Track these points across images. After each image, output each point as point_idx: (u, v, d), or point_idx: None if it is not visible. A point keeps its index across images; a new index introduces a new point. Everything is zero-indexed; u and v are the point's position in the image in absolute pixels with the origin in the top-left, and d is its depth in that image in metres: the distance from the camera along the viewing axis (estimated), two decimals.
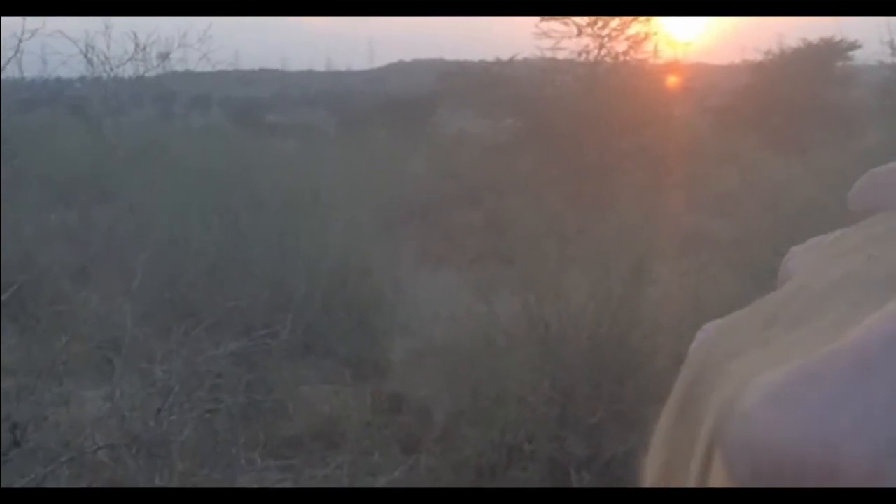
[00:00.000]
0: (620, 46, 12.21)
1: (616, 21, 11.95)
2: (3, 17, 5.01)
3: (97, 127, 12.87)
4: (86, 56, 6.08)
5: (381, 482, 4.55)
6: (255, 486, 4.62)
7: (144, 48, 6.12)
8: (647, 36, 12.18)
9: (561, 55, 12.39)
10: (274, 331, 5.07)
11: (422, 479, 4.93)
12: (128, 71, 6.25)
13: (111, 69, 6.01)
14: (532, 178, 10.73)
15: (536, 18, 12.03)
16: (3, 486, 3.93)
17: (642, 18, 11.97)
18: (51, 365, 4.85)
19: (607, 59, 12.21)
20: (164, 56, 6.52)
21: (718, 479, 0.23)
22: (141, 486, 4.30)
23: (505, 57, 13.08)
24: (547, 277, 5.85)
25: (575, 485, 4.54)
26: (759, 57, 15.21)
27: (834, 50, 14.50)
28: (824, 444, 0.20)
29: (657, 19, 12.05)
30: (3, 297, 4.64)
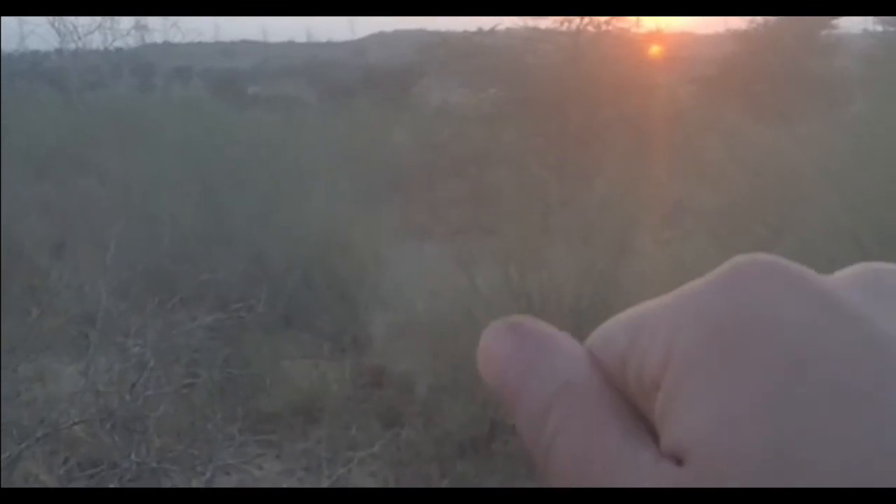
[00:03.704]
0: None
1: None
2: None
3: (75, 99, 12.73)
4: (53, 25, 5.96)
5: (361, 456, 4.49)
6: (234, 461, 4.57)
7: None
8: None
9: (542, 24, 12.32)
10: (250, 304, 5.00)
11: (402, 454, 4.89)
12: (96, 40, 6.15)
13: (79, 38, 5.90)
14: (515, 148, 10.66)
15: None
16: None
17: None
18: (24, 340, 4.78)
19: (589, 28, 12.12)
20: (142, 27, 6.41)
21: None
22: (117, 461, 4.25)
23: (486, 27, 13.00)
24: (529, 249, 5.79)
25: None
26: (743, 25, 15.12)
27: (818, 18, 14.42)
28: None
29: None
30: None
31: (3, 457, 3.97)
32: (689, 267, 5.72)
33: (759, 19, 15.04)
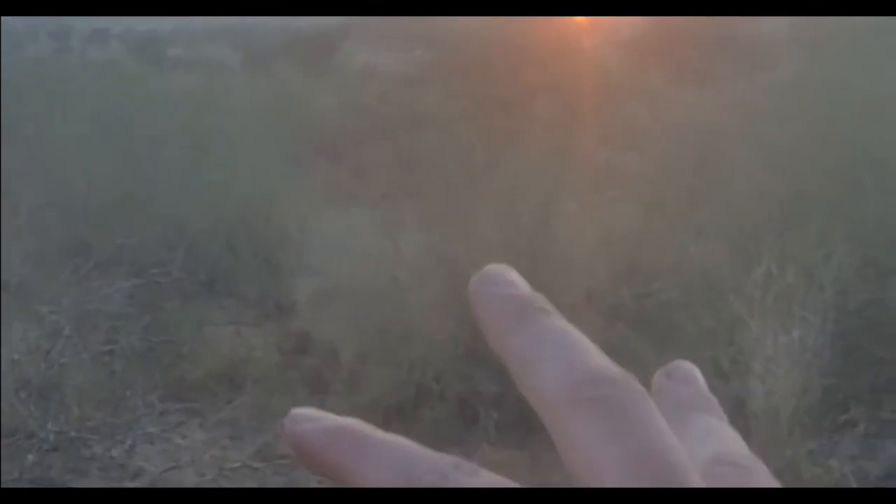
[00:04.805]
0: None
1: None
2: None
3: None
4: None
5: None
6: (156, 429, 4.50)
7: None
8: None
9: None
10: (167, 269, 4.91)
11: None
12: None
13: None
14: (441, 112, 10.59)
15: None
16: None
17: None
18: None
19: None
20: None
21: None
22: (34, 430, 4.16)
23: None
24: (455, 214, 5.75)
25: (483, 423, 4.49)
26: None
27: None
28: None
29: None
30: None
31: None
32: (615, 231, 5.74)
33: None
